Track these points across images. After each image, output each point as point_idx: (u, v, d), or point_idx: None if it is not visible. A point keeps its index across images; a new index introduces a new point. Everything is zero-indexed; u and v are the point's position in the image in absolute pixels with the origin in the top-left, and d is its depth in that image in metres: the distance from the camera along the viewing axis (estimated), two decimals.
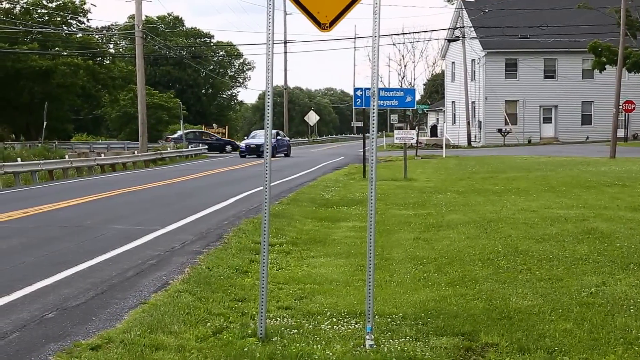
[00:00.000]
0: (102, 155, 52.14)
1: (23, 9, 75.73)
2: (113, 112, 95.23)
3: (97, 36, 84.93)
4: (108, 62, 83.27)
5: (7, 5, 75.58)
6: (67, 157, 46.54)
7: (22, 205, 21.75)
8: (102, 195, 25.28)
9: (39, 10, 76.65)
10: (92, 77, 77.29)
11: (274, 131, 58.71)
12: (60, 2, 76.81)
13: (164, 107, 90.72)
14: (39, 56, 71.48)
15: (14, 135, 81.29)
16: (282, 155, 55.35)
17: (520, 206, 19.15)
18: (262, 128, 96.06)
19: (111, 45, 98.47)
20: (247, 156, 54.45)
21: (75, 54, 74.77)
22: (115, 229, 16.71)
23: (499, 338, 7.82)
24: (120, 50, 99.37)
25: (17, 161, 36.99)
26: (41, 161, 39.03)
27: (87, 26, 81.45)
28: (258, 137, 56.59)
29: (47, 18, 76.67)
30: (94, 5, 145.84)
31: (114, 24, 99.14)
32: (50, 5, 76.99)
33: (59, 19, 77.05)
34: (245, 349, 7.47)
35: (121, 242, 14.52)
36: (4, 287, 10.54)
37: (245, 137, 62.63)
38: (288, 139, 61.24)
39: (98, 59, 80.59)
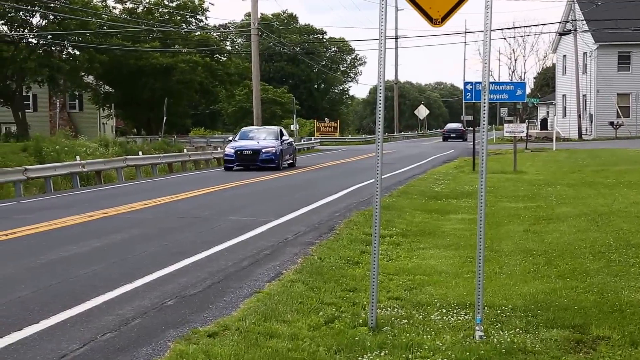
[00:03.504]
0: (219, 149, 52.90)
1: (146, 9, 77.45)
2: (229, 107, 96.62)
3: (214, 34, 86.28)
4: (225, 58, 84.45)
5: (131, 5, 77.44)
6: (185, 150, 47.47)
7: (143, 197, 22.26)
8: (218, 187, 25.68)
9: (160, 10, 78.24)
10: (210, 73, 78.53)
11: (275, 129, 38.81)
12: (181, 1, 78.27)
13: (277, 102, 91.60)
14: (159, 54, 73.03)
15: (136, 130, 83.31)
16: (287, 165, 36.70)
17: (633, 199, 18.64)
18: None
19: (228, 43, 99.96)
20: (235, 168, 35.45)
21: (194, 51, 76.08)
22: (230, 220, 16.94)
23: (610, 331, 7.62)
24: (237, 47, 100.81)
25: (138, 155, 37.91)
26: (161, 155, 39.94)
27: (206, 24, 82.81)
28: (253, 138, 37.02)
29: (167, 17, 78.21)
30: (212, 4, 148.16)
31: (231, 22, 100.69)
32: (171, 4, 78.53)
33: (179, 17, 78.51)
34: (356, 338, 7.47)
35: (236, 233, 14.71)
36: (127, 276, 10.80)
37: (232, 139, 39.60)
38: (292, 140, 41.23)
39: (215, 56, 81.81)
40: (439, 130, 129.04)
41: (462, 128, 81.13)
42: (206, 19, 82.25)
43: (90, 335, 7.92)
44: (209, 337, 7.70)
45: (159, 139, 59.98)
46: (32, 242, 14.39)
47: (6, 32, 65.76)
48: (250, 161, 35.16)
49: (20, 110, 67.19)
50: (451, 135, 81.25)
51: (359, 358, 7.00)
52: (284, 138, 37.08)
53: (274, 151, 35.16)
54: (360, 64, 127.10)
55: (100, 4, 74.25)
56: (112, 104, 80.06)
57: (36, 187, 29.34)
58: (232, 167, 35.40)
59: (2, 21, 66.49)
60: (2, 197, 26.54)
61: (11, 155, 34.99)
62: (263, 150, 35.10)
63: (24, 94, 72.54)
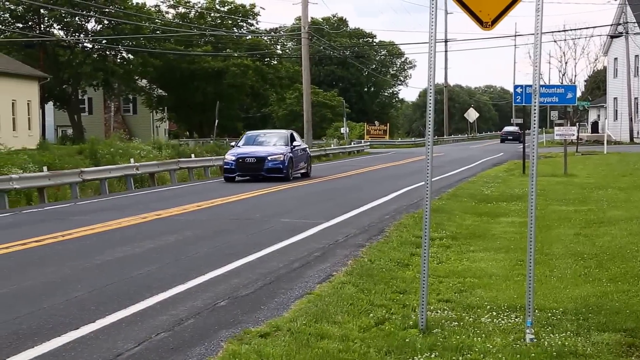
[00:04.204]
0: None
1: (198, 14, 78.04)
2: (280, 110, 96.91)
3: (265, 38, 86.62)
4: (275, 62, 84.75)
5: (184, 10, 78.06)
6: None
7: (196, 199, 22.42)
8: (269, 189, 25.78)
9: (212, 14, 78.78)
10: (261, 77, 78.86)
11: (285, 133, 33.49)
12: (232, 6, 78.72)
13: (327, 105, 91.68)
14: (211, 58, 73.52)
15: (188, 133, 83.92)
16: (299, 175, 31.99)
17: None
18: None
19: (278, 47, 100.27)
20: (237, 179, 30.36)
21: (245, 55, 76.47)
22: (281, 222, 17.01)
23: None
24: (287, 51, 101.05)
25: (191, 157, 38.19)
26: (213, 157, 40.14)
27: (257, 28, 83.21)
28: (260, 143, 32.02)
29: (219, 21, 78.72)
30: (263, 9, 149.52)
31: (281, 26, 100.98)
32: (222, 9, 79.02)
33: (230, 22, 78.99)
34: (406, 340, 7.46)
35: (287, 235, 14.76)
36: (180, 277, 10.90)
37: (234, 145, 33.75)
38: (306, 146, 35.27)
39: (266, 59, 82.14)
40: (488, 133, 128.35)
41: (519, 131, 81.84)
42: (257, 23, 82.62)
43: (145, 335, 8.01)
44: (260, 338, 7.74)
45: (211, 141, 60.32)
46: (87, 243, 14.60)
47: (62, 37, 66.76)
48: (253, 170, 30.26)
49: (76, 113, 68.18)
50: (508, 137, 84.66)
51: (409, 359, 7.00)
52: (295, 143, 31.79)
53: (281, 159, 30.10)
54: (410, 67, 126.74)
55: (153, 9, 75.02)
56: (165, 107, 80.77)
57: (91, 189, 29.69)
58: (233, 177, 30.25)
59: (59, 26, 67.59)
60: (59, 198, 26.90)
61: (67, 157, 35.46)
62: (269, 158, 30.05)
63: (80, 97, 73.65)
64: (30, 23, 65.66)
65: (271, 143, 31.88)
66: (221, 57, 75.38)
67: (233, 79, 74.89)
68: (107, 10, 64.32)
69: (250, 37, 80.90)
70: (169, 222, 17.58)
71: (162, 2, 76.46)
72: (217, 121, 64.04)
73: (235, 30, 79.66)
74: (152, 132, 79.55)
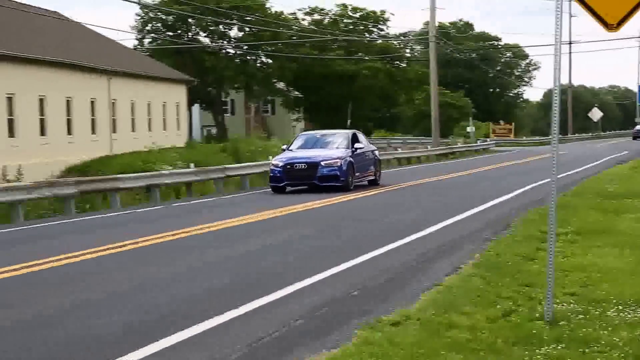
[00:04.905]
0: (399, 149, 52.94)
1: (331, 20, 78.61)
2: (408, 110, 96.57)
3: (395, 42, 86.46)
4: (404, 65, 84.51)
5: (318, 17, 78.80)
6: None
7: (327, 196, 22.55)
8: (388, 189, 25.74)
9: (345, 20, 79.20)
10: (390, 79, 78.80)
11: (346, 133, 27.23)
12: (364, 12, 78.98)
13: (454, 105, 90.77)
14: (344, 61, 73.92)
15: None
16: (365, 182, 26.15)
17: None
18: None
19: (407, 50, 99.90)
20: (288, 187, 24.52)
21: (376, 58, 76.54)
22: (405, 218, 16.93)
23: None
24: (416, 54, 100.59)
25: None
26: None
27: (387, 33, 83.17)
28: (315, 145, 26.00)
29: (351, 27, 79.05)
30: (393, 14, 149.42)
31: (410, 30, 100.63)
32: (355, 15, 79.35)
33: (362, 27, 79.24)
34: (533, 331, 7.30)
35: (414, 230, 14.61)
36: (316, 266, 10.98)
37: (285, 148, 26.51)
38: (374, 148, 28.40)
39: (396, 62, 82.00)
40: (612, 132, 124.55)
41: None
42: (387, 28, 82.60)
43: (284, 320, 8.11)
44: (392, 326, 7.71)
45: None
46: (229, 233, 14.95)
47: (208, 44, 68.43)
48: (304, 178, 24.39)
49: (220, 114, 69.78)
50: None
51: (536, 350, 6.84)
52: (357, 145, 25.45)
53: (338, 164, 24.14)
54: (535, 69, 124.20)
55: (290, 17, 75.97)
56: (301, 108, 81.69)
57: (234, 184, 30.30)
58: (282, 187, 24.28)
59: (205, 34, 69.30)
60: (204, 192, 27.58)
61: (212, 155, 36.35)
62: (323, 163, 24.13)
63: (223, 99, 75.30)
64: (179, 31, 67.52)
65: (331, 145, 25.86)
66: (353, 60, 75.68)
67: (364, 81, 75.11)
68: (248, 18, 65.47)
69: (380, 41, 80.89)
70: (302, 215, 17.80)
71: (298, 10, 77.44)
72: (349, 121, 64.31)
73: (367, 35, 79.81)
74: (289, 132, 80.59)
